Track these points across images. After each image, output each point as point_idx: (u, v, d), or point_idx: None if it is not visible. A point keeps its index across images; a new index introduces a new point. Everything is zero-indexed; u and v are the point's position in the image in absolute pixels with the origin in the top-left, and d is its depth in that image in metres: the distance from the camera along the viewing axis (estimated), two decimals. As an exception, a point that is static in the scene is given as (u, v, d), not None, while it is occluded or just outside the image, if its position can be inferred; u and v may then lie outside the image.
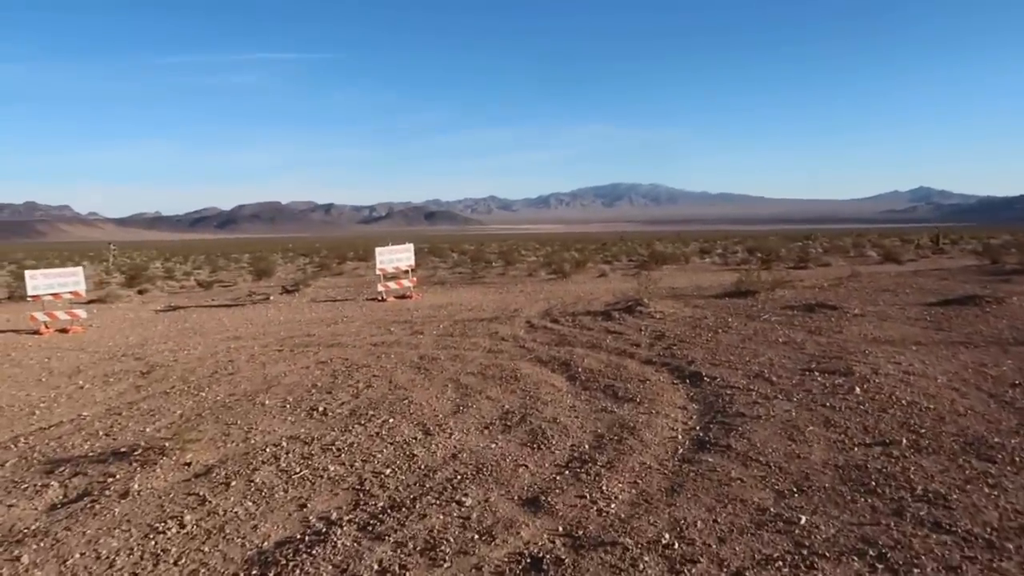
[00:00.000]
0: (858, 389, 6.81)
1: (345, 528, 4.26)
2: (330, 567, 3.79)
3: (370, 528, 4.24)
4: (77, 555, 4.11)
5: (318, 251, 62.67)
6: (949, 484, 4.53)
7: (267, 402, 7.60)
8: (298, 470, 5.38)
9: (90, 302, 19.61)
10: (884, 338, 9.37)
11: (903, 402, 6.36)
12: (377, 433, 6.26)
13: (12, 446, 6.45)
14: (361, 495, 4.83)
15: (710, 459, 5.17)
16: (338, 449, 5.85)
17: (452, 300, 17.91)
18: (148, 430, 6.72)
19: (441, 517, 4.35)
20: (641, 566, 3.64)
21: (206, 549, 4.11)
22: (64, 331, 14.36)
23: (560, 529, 4.11)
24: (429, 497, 4.70)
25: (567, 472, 5.07)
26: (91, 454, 6.03)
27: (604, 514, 4.29)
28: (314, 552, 3.95)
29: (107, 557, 4.07)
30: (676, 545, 3.84)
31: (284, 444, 6.04)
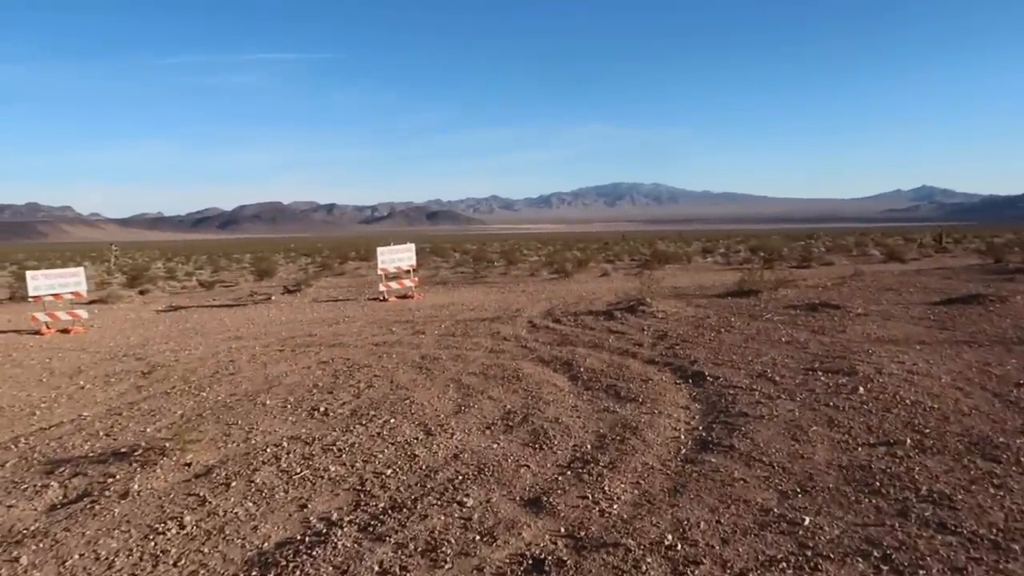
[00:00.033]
0: (862, 389, 6.77)
1: (346, 529, 4.23)
2: (330, 568, 3.76)
3: (371, 529, 4.22)
4: (76, 556, 4.09)
5: (320, 251, 62.68)
6: (954, 484, 4.49)
7: (268, 402, 7.58)
8: (299, 470, 5.36)
9: (91, 302, 19.61)
10: (888, 337, 9.33)
11: (907, 402, 6.32)
12: (378, 433, 6.24)
13: (12, 446, 6.43)
14: (362, 496, 4.80)
15: (713, 459, 5.14)
16: (339, 449, 5.82)
17: (454, 300, 17.88)
18: (149, 430, 6.70)
19: (442, 518, 4.33)
20: (644, 567, 3.61)
21: (206, 550, 4.09)
22: (65, 331, 14.36)
23: (562, 530, 4.08)
24: (430, 498, 4.67)
25: (569, 472, 5.04)
26: (91, 454, 6.01)
27: (606, 515, 4.26)
28: (314, 553, 3.92)
29: (106, 558, 4.04)
30: (679, 546, 3.81)
31: (285, 444, 6.02)
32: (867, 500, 4.32)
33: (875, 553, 3.65)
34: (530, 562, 3.73)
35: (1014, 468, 4.72)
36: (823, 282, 16.86)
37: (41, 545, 4.25)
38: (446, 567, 3.71)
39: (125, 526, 4.47)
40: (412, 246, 20.32)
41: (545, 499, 4.55)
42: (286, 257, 53.43)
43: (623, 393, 7.18)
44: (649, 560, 3.68)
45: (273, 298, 20.35)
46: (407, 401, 7.30)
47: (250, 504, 4.75)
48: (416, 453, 5.63)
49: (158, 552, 4.09)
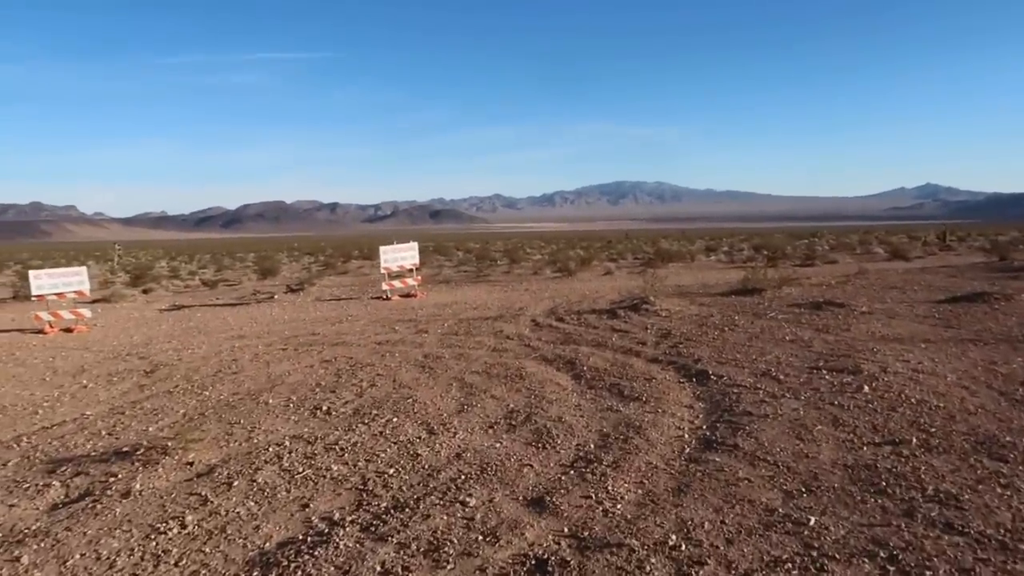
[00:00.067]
0: (867, 387, 6.73)
1: (348, 529, 4.21)
2: (332, 568, 3.74)
3: (373, 529, 4.20)
4: (77, 556, 4.07)
5: (323, 250, 62.71)
6: (961, 484, 4.46)
7: (271, 401, 7.56)
8: (301, 470, 5.34)
9: (95, 301, 19.61)
10: (892, 336, 9.29)
11: (912, 400, 6.28)
12: (381, 432, 6.21)
13: (15, 445, 6.42)
14: (364, 495, 4.78)
15: (717, 459, 5.10)
16: (341, 449, 5.80)
17: (457, 299, 17.86)
18: (151, 429, 6.69)
19: (445, 518, 4.30)
20: (648, 568, 3.58)
21: (207, 550, 4.07)
22: (69, 330, 14.36)
23: (565, 530, 4.06)
24: (433, 497, 4.65)
25: (572, 472, 5.02)
26: (93, 453, 6.00)
27: (610, 515, 4.23)
28: (316, 553, 3.90)
29: (107, 558, 4.03)
30: (683, 547, 3.78)
31: (287, 443, 6.00)
32: (873, 500, 4.28)
33: (881, 554, 3.62)
34: (533, 562, 3.71)
35: (1021, 467, 4.68)
36: (827, 280, 16.82)
37: (42, 544, 4.24)
38: (448, 567, 3.69)
39: (126, 525, 4.45)
40: (415, 245, 20.31)
41: (548, 499, 4.52)
42: (289, 256, 53.48)
43: (627, 392, 7.15)
44: (653, 560, 3.65)
45: (276, 297, 20.36)
46: (410, 400, 7.28)
47: (252, 503, 4.73)
48: (419, 452, 5.61)
49: (159, 552, 4.07)
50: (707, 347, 9.11)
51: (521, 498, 4.59)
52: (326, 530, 4.22)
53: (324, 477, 5.17)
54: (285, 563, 3.83)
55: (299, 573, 3.72)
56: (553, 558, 3.72)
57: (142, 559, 3.99)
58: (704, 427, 5.92)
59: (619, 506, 4.36)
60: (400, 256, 19.70)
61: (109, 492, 5.03)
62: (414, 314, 14.65)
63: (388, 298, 18.41)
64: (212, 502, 4.78)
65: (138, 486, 5.10)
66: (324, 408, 7.14)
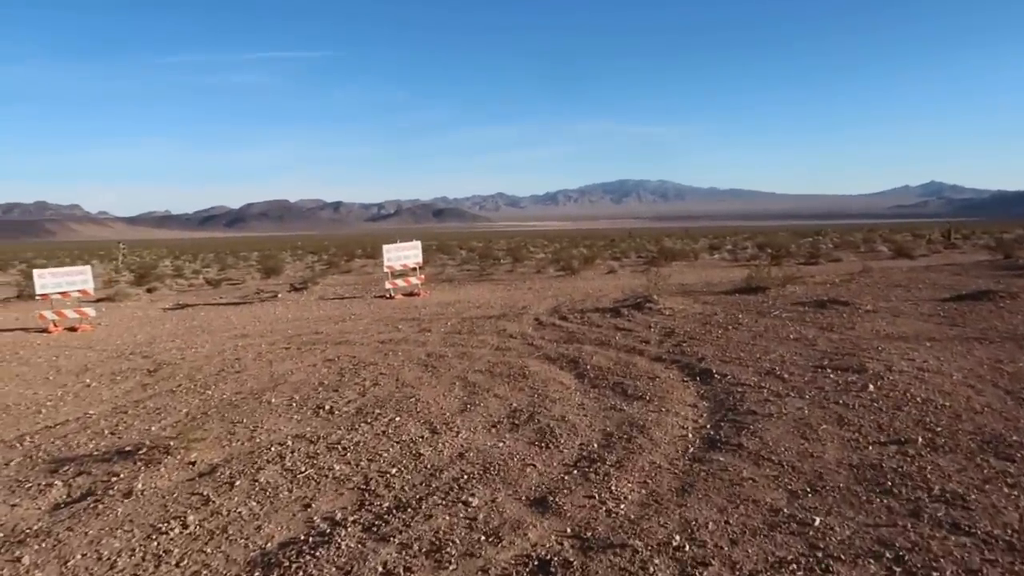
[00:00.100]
0: (872, 386, 6.69)
1: (350, 529, 4.19)
2: (333, 569, 3.72)
3: (375, 529, 4.17)
4: (78, 556, 4.05)
5: (326, 249, 62.75)
6: (967, 484, 4.42)
7: (273, 400, 7.55)
8: (303, 469, 5.32)
9: (99, 300, 19.63)
10: (897, 334, 9.24)
11: (918, 399, 6.24)
12: (383, 432, 6.19)
13: (17, 445, 6.42)
14: (366, 495, 4.76)
15: (721, 458, 5.07)
16: (344, 448, 5.78)
17: (460, 297, 17.85)
18: (154, 429, 6.68)
19: (447, 518, 4.28)
20: (651, 569, 3.56)
21: (208, 550, 4.05)
22: (73, 329, 14.38)
23: (568, 530, 4.03)
24: (435, 497, 4.63)
25: (575, 472, 4.99)
26: (96, 453, 5.99)
27: (613, 515, 4.21)
28: (317, 554, 3.88)
29: (108, 558, 4.01)
30: (687, 547, 3.75)
31: (289, 443, 5.98)
32: (878, 500, 4.25)
33: (887, 554, 3.58)
34: (536, 563, 3.68)
35: (1028, 467, 4.64)
36: (831, 279, 16.76)
37: (43, 545, 4.23)
38: (450, 568, 3.67)
39: (128, 525, 4.44)
40: (418, 244, 20.29)
41: (551, 499, 4.50)
42: (293, 255, 53.51)
43: (630, 391, 7.12)
44: (657, 561, 3.62)
45: (279, 296, 20.36)
46: (413, 399, 7.26)
47: (254, 503, 4.71)
48: (421, 452, 5.59)
49: (160, 552, 4.05)
50: (711, 346, 9.07)
51: (524, 498, 4.56)
52: (328, 530, 4.20)
53: (326, 477, 5.15)
54: (286, 564, 3.81)
55: (300, 574, 3.70)
56: (556, 559, 3.69)
57: (143, 559, 3.98)
58: (708, 426, 5.89)
59: (622, 506, 4.33)
60: (403, 255, 19.69)
61: (111, 492, 5.02)
62: (417, 313, 14.63)
63: (391, 297, 18.40)
64: (214, 502, 4.76)
65: (140, 486, 5.09)
66: (327, 407, 7.13)
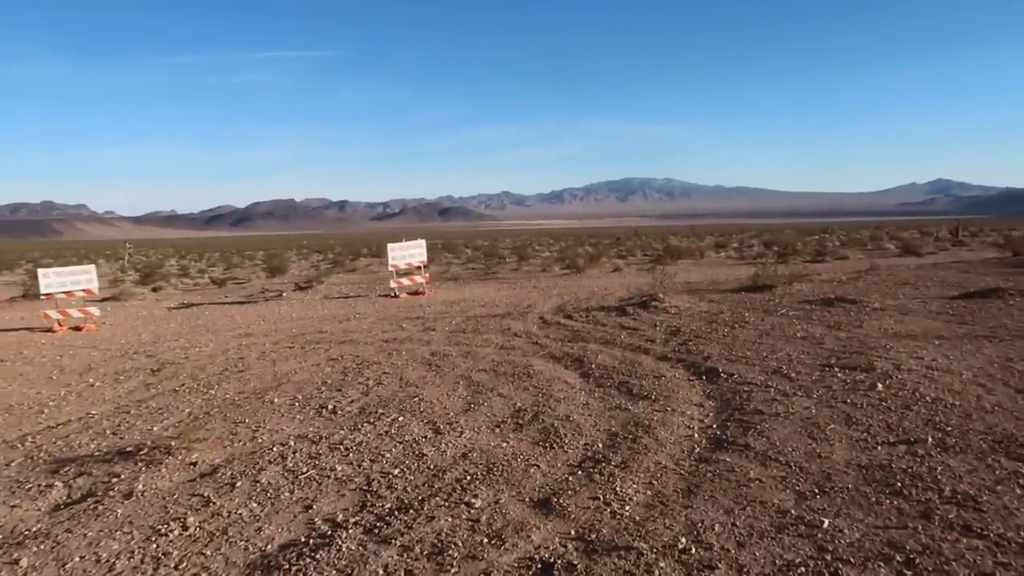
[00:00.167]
0: (880, 385, 6.61)
1: (351, 531, 4.14)
2: (334, 572, 3.67)
3: (376, 531, 4.12)
4: (77, 558, 4.01)
5: (332, 248, 62.80)
6: (979, 485, 4.34)
7: (276, 400, 7.51)
8: (305, 470, 5.27)
9: (104, 300, 19.67)
10: (905, 332, 9.15)
11: (927, 399, 6.16)
12: (386, 432, 6.14)
13: (19, 445, 6.39)
14: (368, 496, 4.71)
15: (728, 459, 5.00)
16: (346, 448, 5.73)
17: (465, 296, 17.79)
18: (156, 429, 6.65)
19: (449, 519, 4.22)
20: (656, 572, 3.49)
21: (208, 552, 4.00)
22: (78, 329, 14.38)
23: (572, 532, 3.97)
24: (438, 498, 4.57)
25: (580, 472, 4.93)
26: (97, 453, 5.96)
27: (618, 517, 4.14)
28: (318, 556, 3.83)
29: (107, 560, 3.97)
30: (693, 550, 3.68)
31: (292, 443, 5.94)
32: (888, 501, 4.17)
33: (898, 557, 3.51)
34: (539, 566, 3.62)
35: (1041, 468, 4.56)
36: (838, 276, 16.65)
37: (42, 547, 4.18)
38: (452, 571, 3.61)
39: (127, 527, 4.39)
40: (423, 242, 20.26)
41: (555, 500, 4.44)
42: (298, 254, 53.54)
43: (635, 390, 7.05)
44: (662, 564, 3.56)
45: (284, 295, 20.34)
46: (416, 399, 7.21)
47: (255, 505, 4.67)
48: (424, 452, 5.53)
49: (160, 554, 4.00)
50: (717, 344, 8.99)
51: (527, 499, 4.50)
52: (329, 532, 4.15)
53: (328, 478, 5.10)
54: (286, 566, 3.76)
55: (300, 576, 3.65)
56: (560, 561, 3.63)
57: (142, 562, 3.93)
58: (714, 426, 5.81)
59: (627, 508, 4.27)
60: (408, 254, 19.66)
61: (111, 493, 4.98)
62: (422, 312, 14.59)
63: (396, 296, 18.36)
64: (214, 503, 4.72)
65: (140, 487, 5.05)
66: (330, 407, 7.08)
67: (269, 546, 4.04)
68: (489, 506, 4.40)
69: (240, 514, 4.52)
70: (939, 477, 4.48)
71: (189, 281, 29.65)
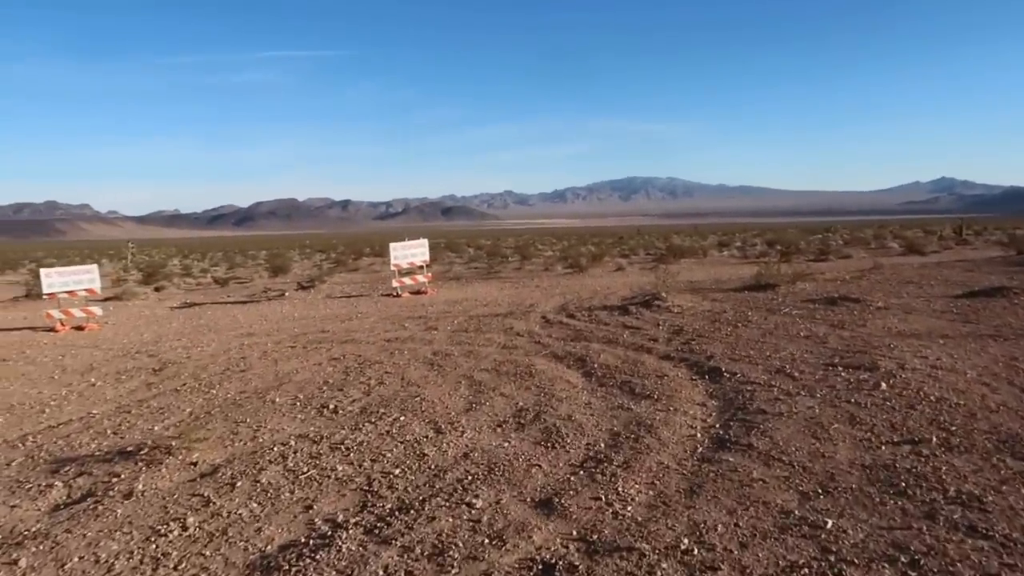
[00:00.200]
0: (884, 385, 6.57)
1: (351, 531, 4.11)
2: (333, 573, 3.64)
3: (377, 531, 4.09)
4: (76, 559, 3.99)
5: (334, 247, 62.83)
6: (984, 485, 4.30)
7: (277, 400, 7.49)
8: (305, 470, 5.25)
9: (107, 299, 19.69)
10: (909, 331, 9.10)
11: (931, 398, 6.12)
12: (388, 431, 6.12)
13: (20, 444, 6.38)
14: (369, 496, 4.68)
15: (730, 458, 4.97)
16: (347, 448, 5.71)
17: (467, 295, 17.77)
18: (156, 428, 6.63)
19: (450, 520, 4.20)
20: (659, 573, 3.46)
21: (207, 553, 3.98)
22: (80, 328, 14.38)
23: (574, 533, 3.94)
24: (439, 499, 4.54)
25: (582, 472, 4.90)
26: (97, 453, 5.94)
27: (620, 517, 4.11)
28: (318, 557, 3.80)
29: (106, 561, 3.95)
30: (695, 551, 3.65)
31: (292, 443, 5.92)
32: (892, 502, 4.14)
33: (902, 558, 3.48)
34: (540, 567, 3.59)
35: (1047, 468, 4.52)
36: (842, 275, 16.60)
37: (41, 547, 4.16)
38: (453, 572, 3.58)
39: (127, 527, 4.37)
40: (425, 242, 20.24)
41: (557, 500, 4.41)
42: (301, 253, 53.57)
43: (638, 390, 7.02)
44: (664, 565, 3.53)
45: (287, 294, 20.34)
46: (418, 398, 7.18)
47: (255, 505, 4.64)
48: (425, 452, 5.51)
49: (159, 555, 3.98)
50: (720, 344, 8.96)
51: (529, 499, 4.48)
52: (329, 532, 4.12)
53: (329, 478, 5.07)
54: (286, 567, 3.73)
55: (300, 577, 3.63)
56: (561, 562, 3.60)
57: (141, 562, 3.91)
58: (717, 426, 5.78)
59: (629, 508, 4.24)
60: (411, 253, 19.63)
61: (111, 493, 4.96)
62: (424, 311, 14.56)
63: (398, 295, 18.34)
64: (214, 503, 4.70)
65: (141, 487, 5.03)
66: (331, 407, 7.06)
67: (269, 547, 4.02)
68: (490, 506, 4.37)
69: (240, 514, 4.50)
70: (944, 477, 4.45)
71: (192, 281, 29.67)
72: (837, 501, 4.18)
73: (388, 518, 4.27)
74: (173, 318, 15.91)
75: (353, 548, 3.89)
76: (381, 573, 3.60)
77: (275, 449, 5.77)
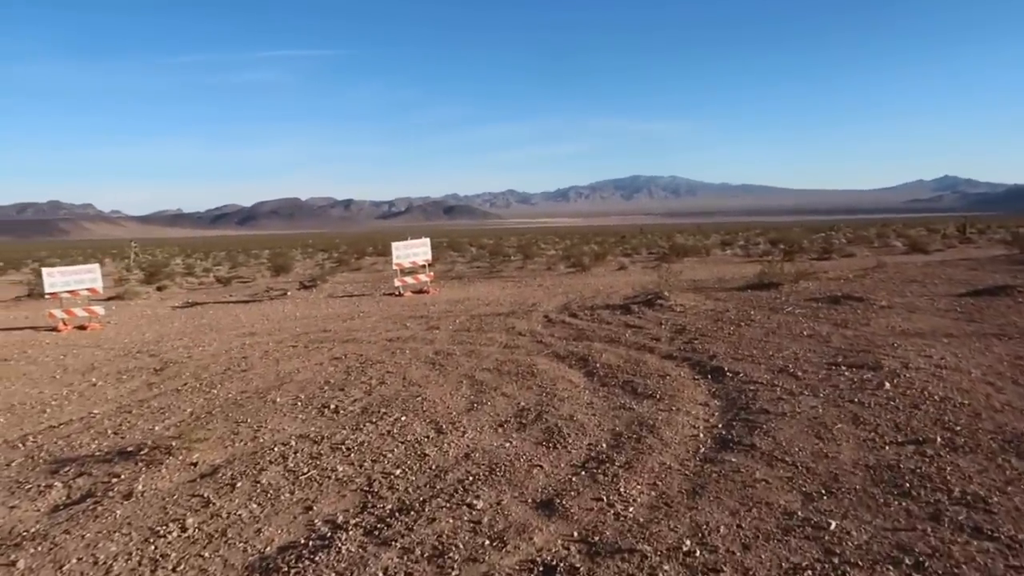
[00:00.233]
0: (888, 384, 6.53)
1: (351, 532, 4.08)
2: (333, 575, 3.61)
3: (377, 533, 4.06)
4: (74, 560, 3.96)
5: (337, 246, 62.85)
6: (989, 486, 4.27)
7: (278, 399, 7.46)
8: (306, 470, 5.22)
9: (109, 299, 19.70)
10: (913, 330, 9.06)
11: (936, 397, 6.08)
12: (388, 432, 6.09)
13: (20, 445, 6.36)
14: (369, 497, 4.65)
15: (733, 459, 4.94)
16: (348, 448, 5.68)
17: (469, 295, 17.74)
18: (157, 429, 6.61)
19: (451, 521, 4.16)
20: (660, 575, 3.43)
21: (206, 554, 3.95)
22: (82, 328, 14.38)
23: (575, 534, 3.91)
24: (439, 499, 4.51)
25: (583, 473, 4.86)
26: (97, 453, 5.91)
27: (621, 518, 4.08)
28: (317, 558, 3.78)
29: (104, 562, 3.92)
30: (698, 552, 3.62)
31: (293, 443, 5.89)
32: (896, 502, 4.10)
33: (907, 560, 3.44)
34: (541, 569, 3.56)
35: (1052, 468, 4.48)
36: (845, 274, 16.55)
37: (39, 548, 4.14)
38: (453, 574, 3.55)
39: (126, 528, 4.35)
40: (427, 241, 20.22)
41: (558, 501, 4.37)
42: (303, 253, 53.60)
43: (640, 389, 6.98)
44: (666, 567, 3.50)
45: (289, 294, 20.34)
46: (419, 398, 7.15)
47: (254, 506, 4.62)
48: (426, 452, 5.48)
49: (158, 556, 3.96)
50: (723, 343, 8.92)
51: (530, 500, 4.44)
52: (328, 534, 4.09)
53: (329, 478, 5.05)
54: (285, 569, 3.70)
55: (299, 579, 3.60)
56: (562, 564, 3.57)
57: (139, 564, 3.89)
58: (720, 426, 5.75)
59: (631, 509, 4.20)
60: (413, 252, 19.62)
61: (111, 493, 4.94)
62: (426, 310, 14.54)
63: (400, 294, 18.33)
64: (214, 504, 4.67)
65: (140, 487, 5.01)
66: (332, 406, 7.03)
67: (268, 548, 3.99)
68: (491, 507, 4.34)
69: (240, 515, 4.47)
70: (948, 478, 4.41)
71: (194, 280, 29.70)
72: (841, 502, 4.15)
73: (388, 519, 4.24)
74: (175, 317, 15.90)
75: (352, 550, 3.86)
76: (380, 575, 3.58)
77: (276, 449, 5.74)
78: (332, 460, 5.42)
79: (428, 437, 5.87)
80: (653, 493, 4.44)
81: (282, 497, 4.74)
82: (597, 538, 3.85)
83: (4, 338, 13.38)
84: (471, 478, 4.87)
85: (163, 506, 4.69)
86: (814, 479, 4.51)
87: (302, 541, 4.04)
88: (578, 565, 3.56)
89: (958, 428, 5.29)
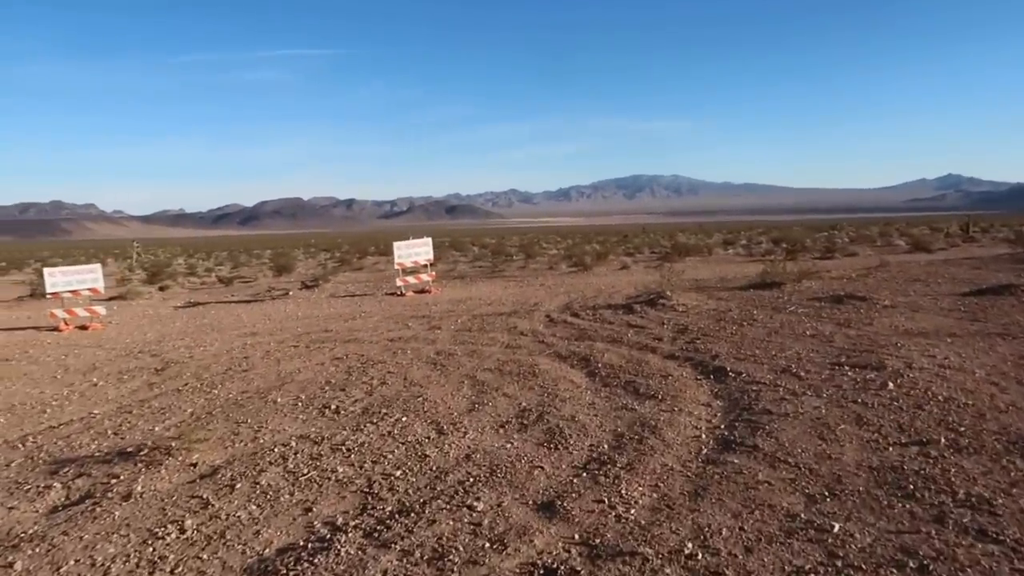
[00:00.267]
0: (891, 384, 6.49)
1: (350, 534, 4.06)
2: (332, 577, 3.59)
3: (376, 535, 4.04)
4: (72, 561, 3.94)
5: (339, 246, 62.86)
6: (993, 487, 4.23)
7: (279, 400, 7.44)
8: (306, 471, 5.20)
9: (111, 299, 19.70)
10: (917, 330, 9.01)
11: (939, 398, 6.03)
12: (389, 432, 6.06)
13: (20, 445, 6.35)
14: (369, 498, 4.63)
15: (736, 460, 4.90)
16: (348, 449, 5.66)
17: (471, 294, 17.72)
18: (157, 429, 6.59)
19: (451, 523, 4.14)
20: (662, 578, 3.40)
21: (205, 556, 3.93)
22: (84, 328, 14.38)
23: (576, 537, 3.88)
24: (440, 501, 4.49)
25: (585, 474, 4.83)
26: (97, 454, 5.90)
27: (623, 520, 4.05)
28: (316, 561, 3.75)
29: (102, 564, 3.90)
30: (700, 555, 3.58)
31: (293, 444, 5.87)
32: (900, 504, 4.07)
33: (911, 563, 3.41)
34: (541, 572, 3.53)
35: (1058, 470, 4.44)
36: (848, 273, 16.49)
37: (37, 550, 4.12)
38: (453, 576, 3.53)
39: (125, 530, 4.32)
40: (429, 240, 20.20)
41: (559, 503, 4.34)
42: (305, 252, 53.61)
43: (642, 390, 6.95)
44: (668, 570, 3.46)
45: (291, 294, 20.32)
46: (420, 399, 7.13)
47: (254, 507, 4.59)
48: (427, 453, 5.45)
49: (156, 558, 3.93)
50: (725, 343, 8.88)
51: (531, 502, 4.41)
52: (328, 536, 4.07)
53: (329, 479, 5.02)
54: (283, 571, 3.68)
55: (298, 582, 3.57)
56: (563, 567, 3.54)
57: (137, 566, 3.86)
58: (722, 426, 5.71)
59: (633, 511, 4.17)
60: (415, 252, 19.60)
61: (110, 494, 4.92)
62: (428, 310, 14.52)
63: (402, 294, 18.30)
64: (213, 505, 4.65)
65: (139, 488, 4.99)
66: (333, 407, 7.01)
67: (267, 550, 3.97)
68: (492, 509, 4.31)
69: (239, 517, 4.45)
70: (952, 479, 4.37)
71: (196, 280, 29.70)
72: (844, 504, 4.11)
73: (388, 521, 4.21)
74: (177, 317, 15.89)
75: (352, 552, 3.83)
76: (380, 577, 3.55)
77: (276, 450, 5.72)
78: (332, 461, 5.40)
79: (429, 438, 5.84)
80: (655, 495, 4.41)
81: (282, 498, 4.72)
82: (598, 540, 3.81)
83: (6, 338, 13.38)
84: (472, 479, 4.84)
85: (162, 507, 4.67)
86: (817, 481, 4.48)
87: (301, 543, 4.01)
88: (579, 568, 3.53)
89: (962, 429, 5.25)
